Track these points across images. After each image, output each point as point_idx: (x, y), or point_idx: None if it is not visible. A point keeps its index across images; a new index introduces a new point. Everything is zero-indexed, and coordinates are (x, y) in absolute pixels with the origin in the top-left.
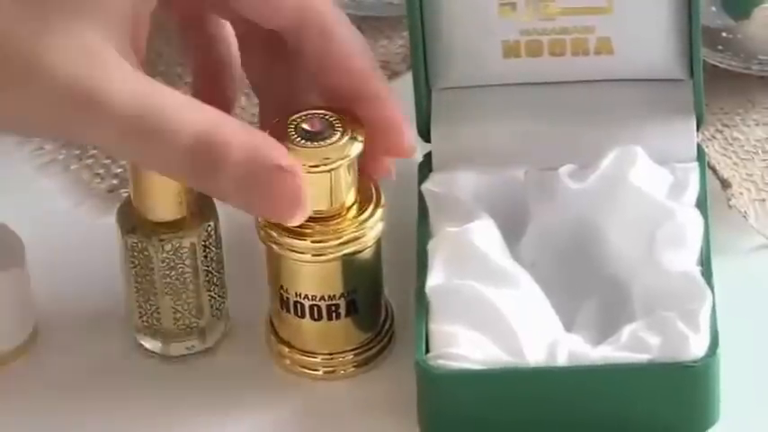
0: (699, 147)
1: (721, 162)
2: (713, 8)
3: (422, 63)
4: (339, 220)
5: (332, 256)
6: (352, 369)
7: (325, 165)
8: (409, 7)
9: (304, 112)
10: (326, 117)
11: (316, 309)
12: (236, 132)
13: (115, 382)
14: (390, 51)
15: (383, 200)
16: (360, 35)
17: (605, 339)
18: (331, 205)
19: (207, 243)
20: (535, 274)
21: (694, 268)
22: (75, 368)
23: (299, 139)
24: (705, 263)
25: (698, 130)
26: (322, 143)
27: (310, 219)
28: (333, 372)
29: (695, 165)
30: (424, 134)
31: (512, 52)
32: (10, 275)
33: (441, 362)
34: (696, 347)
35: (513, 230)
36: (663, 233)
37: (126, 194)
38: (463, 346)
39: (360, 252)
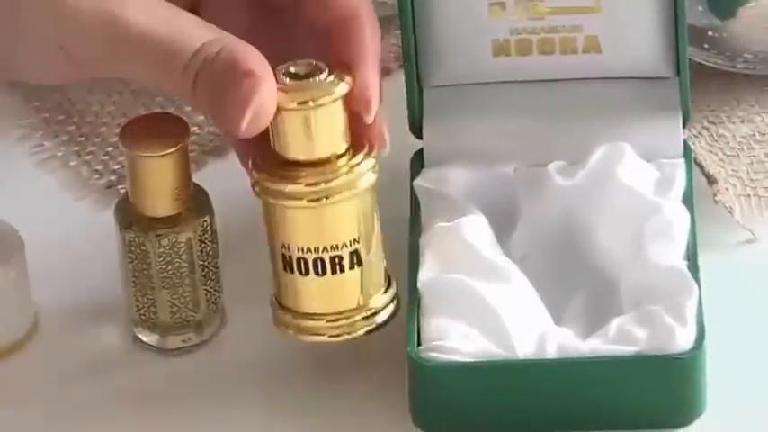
0: (685, 143)
1: (707, 158)
2: (699, 7)
3: (413, 61)
4: (330, 165)
5: (328, 201)
6: (359, 332)
7: (313, 101)
8: (401, 7)
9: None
10: (313, 62)
11: (319, 262)
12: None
13: (114, 376)
14: (383, 50)
15: (376, 151)
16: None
17: (594, 332)
18: (320, 144)
19: (203, 238)
20: (525, 268)
21: (681, 262)
22: (74, 361)
23: (286, 79)
24: (691, 257)
25: (684, 127)
26: (309, 82)
27: (302, 164)
28: (339, 335)
29: (682, 161)
30: (416, 131)
31: (502, 51)
32: (9, 270)
33: (432, 354)
34: (683, 340)
35: (503, 226)
36: (650, 228)
37: (124, 191)
38: (454, 338)
39: (355, 197)
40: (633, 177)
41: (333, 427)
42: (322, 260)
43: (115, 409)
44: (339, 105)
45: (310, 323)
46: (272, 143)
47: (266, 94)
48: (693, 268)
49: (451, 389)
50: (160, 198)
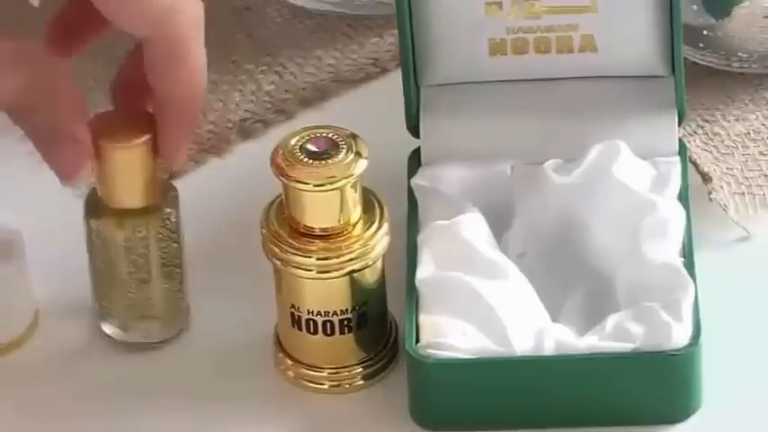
0: (680, 141)
1: (702, 156)
2: (694, 7)
3: (411, 61)
4: (345, 237)
5: (338, 273)
6: (359, 382)
7: (330, 183)
8: (399, 6)
9: (308, 132)
10: (330, 136)
11: (328, 324)
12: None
13: (114, 372)
14: (381, 49)
15: (386, 213)
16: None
17: (591, 329)
18: (338, 222)
19: (163, 234)
20: (522, 265)
21: (677, 259)
22: (74, 357)
23: (304, 158)
24: (687, 254)
25: (679, 125)
26: (327, 162)
27: (316, 236)
28: (338, 386)
29: (677, 159)
30: (413, 130)
31: (498, 50)
32: (10, 267)
33: (430, 351)
34: (679, 336)
35: (500, 224)
36: (646, 225)
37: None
38: (452, 336)
39: (367, 267)
40: (629, 175)
41: (332, 424)
42: (331, 323)
43: (114, 406)
44: (358, 181)
45: (311, 373)
46: (285, 208)
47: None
48: (689, 265)
49: (450, 386)
50: (125, 190)
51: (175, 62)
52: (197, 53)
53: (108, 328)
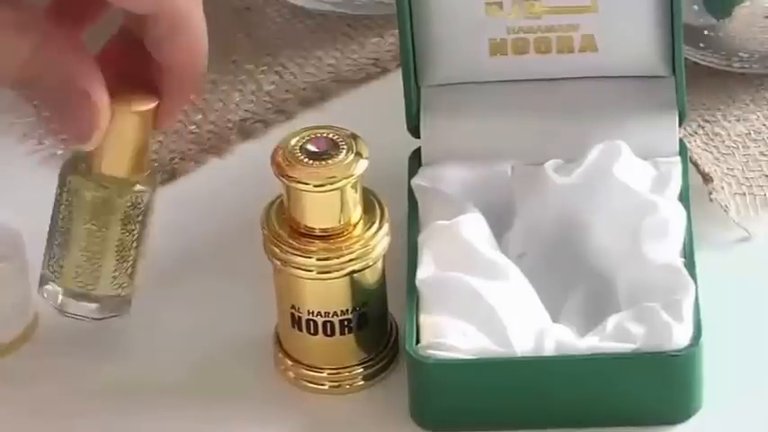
0: (681, 142)
1: (703, 157)
2: (695, 7)
3: (411, 61)
4: (345, 237)
5: (338, 273)
6: (359, 383)
7: (331, 184)
8: (399, 6)
9: (309, 132)
10: (331, 137)
11: (329, 325)
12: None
13: (115, 375)
14: (381, 49)
15: (387, 213)
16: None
17: (591, 329)
18: (339, 222)
19: (131, 213)
20: (522, 266)
21: (677, 260)
22: (74, 356)
23: (304, 158)
24: (688, 255)
25: (680, 125)
26: (328, 162)
27: (316, 236)
28: (338, 386)
29: (678, 159)
30: (414, 130)
31: (498, 50)
32: (9, 267)
33: (431, 352)
34: (680, 337)
35: (500, 224)
36: (646, 226)
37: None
38: (453, 336)
39: (367, 268)
40: (629, 175)
41: (332, 424)
42: (331, 323)
43: (114, 406)
44: (359, 181)
45: (312, 374)
46: (285, 208)
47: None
48: (690, 266)
49: (450, 386)
50: (112, 155)
51: (181, 33)
52: (198, 20)
53: (50, 288)
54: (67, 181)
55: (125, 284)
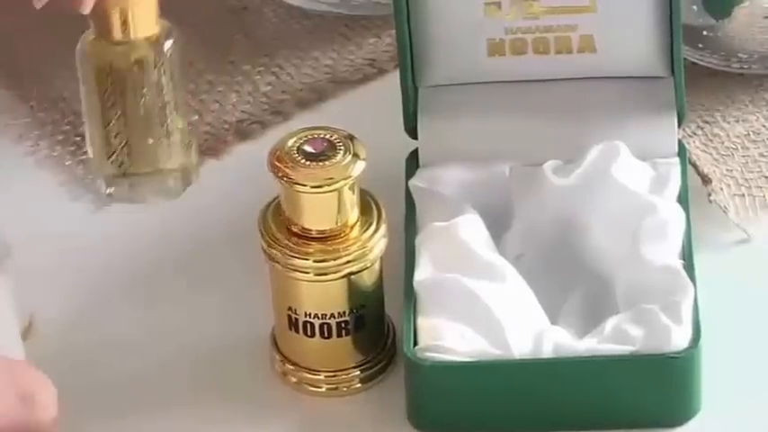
0: (680, 143)
1: (702, 158)
2: (694, 7)
3: (408, 61)
4: (342, 238)
5: (336, 275)
6: (357, 385)
7: (328, 185)
8: (396, 7)
9: (306, 133)
10: (328, 138)
11: (325, 327)
12: None
13: (115, 375)
14: (378, 50)
15: (384, 215)
16: None
17: (590, 331)
18: (336, 224)
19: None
20: (520, 267)
21: (676, 262)
22: (71, 360)
23: (301, 159)
24: (687, 256)
25: (679, 126)
26: (325, 163)
27: (313, 238)
28: (336, 388)
29: (676, 160)
30: (411, 131)
31: (497, 50)
32: None
33: (428, 354)
34: (678, 339)
35: (498, 225)
36: (645, 227)
37: None
38: (450, 338)
39: (365, 269)
40: (628, 176)
41: (329, 427)
42: (328, 325)
43: (111, 406)
44: (356, 183)
45: (309, 376)
46: (282, 209)
47: None
48: (689, 267)
49: (447, 389)
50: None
51: None
52: None
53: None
54: (83, 45)
55: (123, 159)
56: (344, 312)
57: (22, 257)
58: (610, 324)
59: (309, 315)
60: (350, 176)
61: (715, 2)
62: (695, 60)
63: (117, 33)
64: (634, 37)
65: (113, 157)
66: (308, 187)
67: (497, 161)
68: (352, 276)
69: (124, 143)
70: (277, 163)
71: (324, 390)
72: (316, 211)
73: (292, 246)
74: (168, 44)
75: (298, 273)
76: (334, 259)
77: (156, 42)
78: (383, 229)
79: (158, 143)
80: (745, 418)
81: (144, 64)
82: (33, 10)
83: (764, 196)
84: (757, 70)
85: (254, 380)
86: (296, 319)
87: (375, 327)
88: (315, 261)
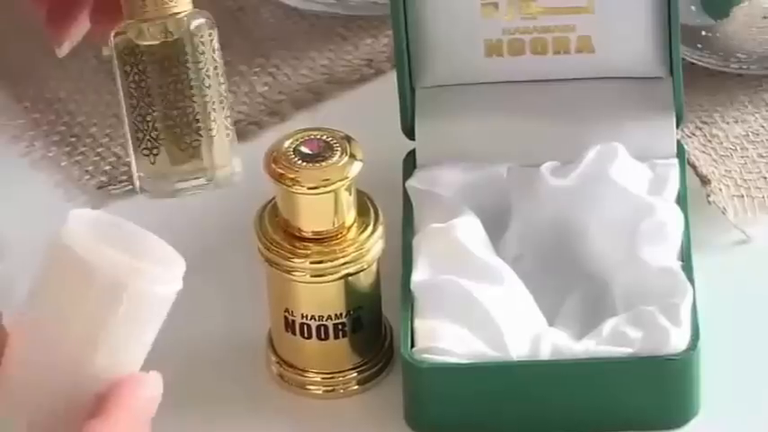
0: (679, 143)
1: (701, 159)
2: (693, 7)
3: (405, 62)
4: (339, 240)
5: (332, 276)
6: (354, 387)
7: (325, 186)
8: (393, 7)
9: (302, 134)
10: (325, 138)
11: (322, 329)
12: None
13: None
14: (375, 50)
15: (381, 216)
16: None
17: (588, 333)
18: (332, 225)
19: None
20: (518, 269)
21: (675, 263)
22: None
23: (298, 160)
24: (685, 258)
25: (678, 127)
26: (322, 164)
27: (310, 239)
28: (332, 390)
29: (675, 161)
30: (409, 132)
31: (494, 51)
32: None
33: (426, 356)
34: (677, 341)
35: (496, 226)
36: (644, 228)
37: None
38: (448, 340)
39: (362, 271)
40: (626, 177)
41: (326, 429)
42: (325, 327)
43: None
44: (353, 184)
45: (305, 378)
46: (279, 210)
47: None
48: (687, 269)
49: (445, 391)
50: None
51: None
52: None
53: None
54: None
55: (151, 144)
56: (341, 314)
57: (18, 258)
58: (608, 326)
59: (306, 317)
60: (347, 177)
61: (713, 2)
62: (694, 61)
63: (150, 6)
64: (632, 37)
65: (149, 150)
66: (304, 188)
67: (495, 162)
68: (349, 278)
69: (161, 136)
70: (273, 164)
71: (321, 392)
72: (312, 213)
73: (289, 247)
74: (199, 22)
75: (294, 274)
76: (331, 261)
77: (188, 21)
78: (380, 230)
79: (198, 137)
80: (743, 420)
81: (179, 44)
82: (28, 10)
83: (763, 197)
84: (756, 71)
85: (251, 382)
86: (292, 321)
87: (372, 328)
88: (311, 263)
